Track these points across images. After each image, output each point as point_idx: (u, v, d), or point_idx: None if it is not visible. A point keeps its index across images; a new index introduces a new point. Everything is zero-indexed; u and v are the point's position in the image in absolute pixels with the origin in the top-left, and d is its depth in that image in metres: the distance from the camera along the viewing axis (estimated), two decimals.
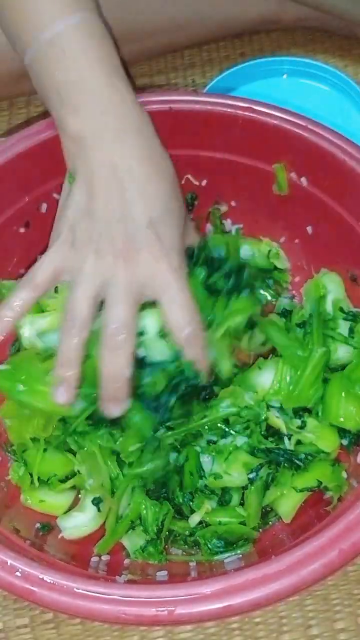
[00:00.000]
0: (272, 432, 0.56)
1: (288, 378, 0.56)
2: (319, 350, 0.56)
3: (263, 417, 0.54)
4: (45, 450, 0.55)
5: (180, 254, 0.51)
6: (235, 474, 0.54)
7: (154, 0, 0.77)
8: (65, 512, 0.56)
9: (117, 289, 0.48)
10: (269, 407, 0.55)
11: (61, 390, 0.49)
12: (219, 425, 0.54)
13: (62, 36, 0.51)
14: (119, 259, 0.48)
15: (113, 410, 0.50)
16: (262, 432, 0.55)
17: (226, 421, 0.55)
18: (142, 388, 0.51)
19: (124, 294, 0.48)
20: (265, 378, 0.56)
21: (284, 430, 0.55)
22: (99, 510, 0.55)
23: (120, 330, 0.48)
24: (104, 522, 0.56)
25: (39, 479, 0.55)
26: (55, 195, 0.61)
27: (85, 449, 0.54)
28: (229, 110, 0.59)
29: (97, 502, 0.55)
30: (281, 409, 0.56)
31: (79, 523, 0.55)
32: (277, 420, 0.54)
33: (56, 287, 0.61)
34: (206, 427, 0.54)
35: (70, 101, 0.50)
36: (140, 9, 0.75)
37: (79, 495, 0.58)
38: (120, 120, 0.50)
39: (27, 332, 0.58)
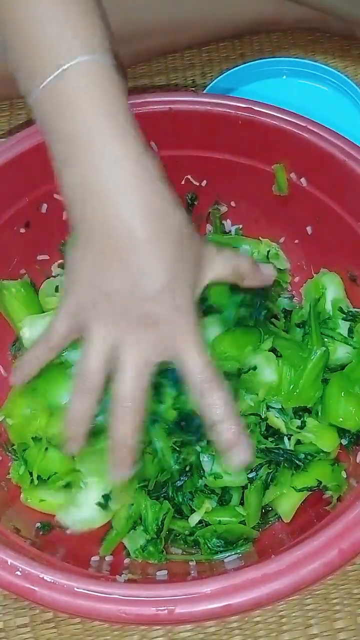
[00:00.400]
0: (272, 432, 0.56)
1: (288, 378, 0.56)
2: (319, 350, 0.56)
3: (263, 417, 0.55)
4: (46, 449, 0.55)
5: (194, 308, 0.48)
6: (234, 474, 0.54)
7: (153, 1, 0.77)
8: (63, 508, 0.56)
9: (127, 363, 0.47)
10: (268, 407, 0.56)
11: (70, 445, 0.50)
12: None
13: (67, 81, 0.46)
14: (130, 333, 0.47)
15: (118, 475, 0.50)
16: (262, 432, 0.55)
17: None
18: (180, 404, 0.52)
19: (133, 369, 0.47)
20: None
21: (283, 430, 0.55)
22: (106, 507, 0.54)
23: (127, 405, 0.47)
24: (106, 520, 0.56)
25: (39, 477, 0.55)
26: (55, 195, 0.62)
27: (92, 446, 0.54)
28: (228, 110, 0.59)
29: (106, 499, 0.54)
30: (281, 409, 0.56)
31: (79, 518, 0.55)
32: (277, 421, 0.54)
33: (57, 286, 0.61)
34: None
35: (74, 155, 0.46)
36: (140, 9, 0.75)
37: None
38: (128, 176, 0.45)
39: (27, 334, 0.58)
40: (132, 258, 0.45)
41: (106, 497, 0.54)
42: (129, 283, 0.46)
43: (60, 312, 0.50)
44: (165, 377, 0.53)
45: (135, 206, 0.45)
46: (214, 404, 0.47)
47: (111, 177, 0.45)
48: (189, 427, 0.53)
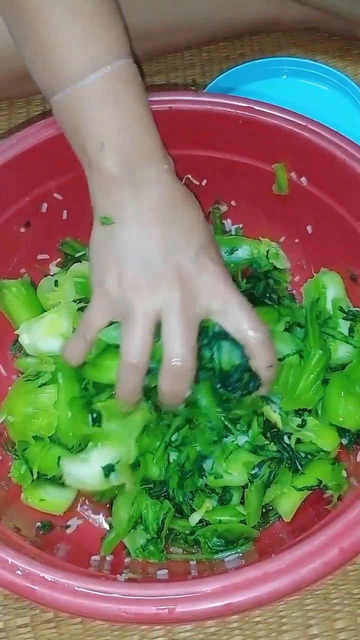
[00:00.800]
0: (273, 431, 0.56)
1: (288, 379, 0.56)
2: (318, 353, 0.56)
3: (259, 412, 0.55)
4: (49, 448, 0.55)
5: (229, 273, 0.53)
6: (235, 473, 0.54)
7: (153, 2, 0.77)
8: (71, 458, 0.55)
9: (173, 321, 0.49)
10: (268, 401, 0.55)
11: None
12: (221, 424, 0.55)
13: (99, 83, 0.51)
14: (174, 288, 0.49)
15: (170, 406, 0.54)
16: (261, 427, 0.55)
17: (229, 420, 0.55)
18: (213, 364, 0.53)
19: (183, 324, 0.49)
20: None
21: (280, 425, 0.55)
22: (108, 475, 0.54)
23: (181, 363, 0.49)
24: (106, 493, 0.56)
25: (39, 474, 0.55)
26: (55, 194, 0.62)
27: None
28: (229, 110, 0.59)
29: (108, 469, 0.54)
30: (281, 410, 0.56)
31: (80, 471, 0.54)
32: (274, 415, 0.54)
33: (56, 281, 0.62)
34: (207, 425, 0.54)
35: (111, 147, 0.51)
36: (139, 10, 0.75)
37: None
38: (158, 165, 0.52)
39: (26, 340, 0.58)
40: (173, 223, 0.51)
41: (110, 467, 0.54)
42: (172, 243, 0.50)
43: (93, 305, 0.52)
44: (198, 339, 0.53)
45: (171, 188, 0.52)
46: (263, 348, 0.51)
47: (149, 167, 0.51)
48: (228, 384, 0.53)
